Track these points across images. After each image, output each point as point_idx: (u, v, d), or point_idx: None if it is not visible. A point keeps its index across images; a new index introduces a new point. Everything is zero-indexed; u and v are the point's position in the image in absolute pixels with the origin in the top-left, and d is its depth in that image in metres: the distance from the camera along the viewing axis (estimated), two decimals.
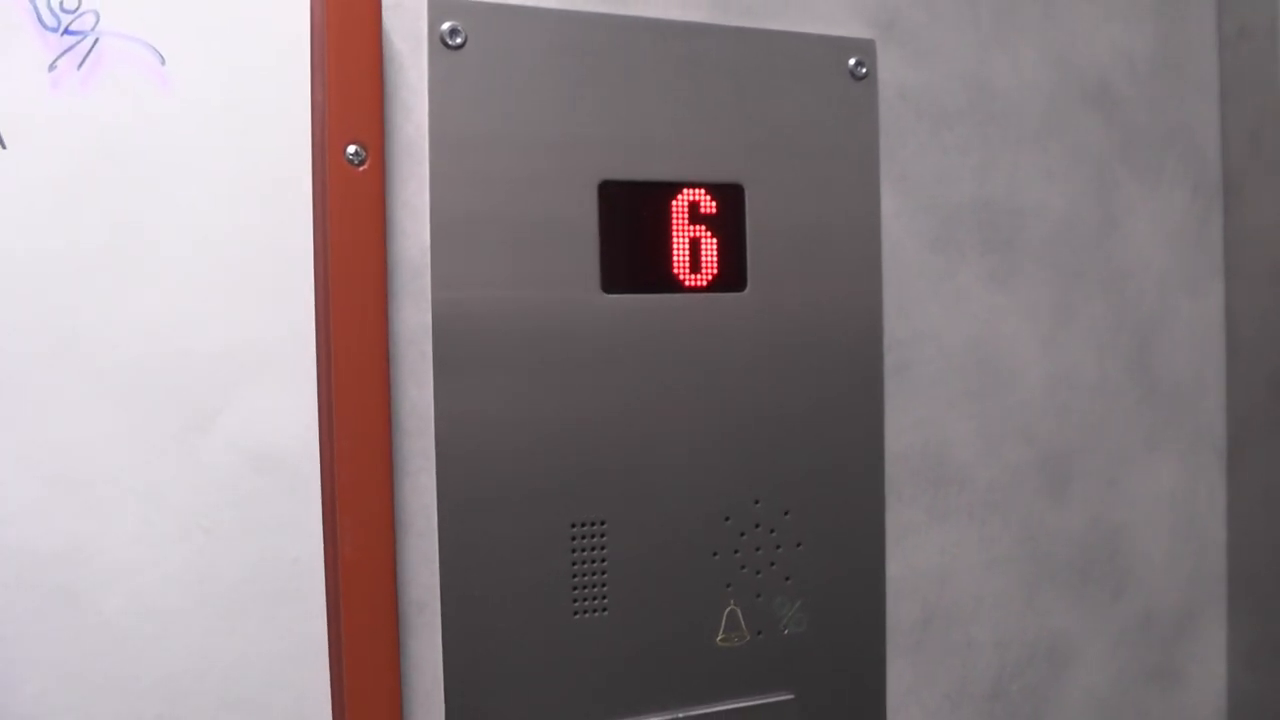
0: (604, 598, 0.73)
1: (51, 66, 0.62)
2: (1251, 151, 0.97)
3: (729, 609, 0.76)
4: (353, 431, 0.67)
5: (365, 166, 0.67)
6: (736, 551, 0.77)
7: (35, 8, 0.61)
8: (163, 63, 0.64)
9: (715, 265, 0.76)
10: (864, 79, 0.81)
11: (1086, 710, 0.94)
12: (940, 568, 0.87)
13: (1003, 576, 0.90)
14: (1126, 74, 0.94)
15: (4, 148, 0.61)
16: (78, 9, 0.62)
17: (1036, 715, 0.92)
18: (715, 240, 0.76)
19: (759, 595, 0.77)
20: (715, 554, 0.76)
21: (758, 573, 0.77)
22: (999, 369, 0.89)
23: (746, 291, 0.77)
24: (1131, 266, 0.95)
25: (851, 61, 0.80)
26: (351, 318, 0.67)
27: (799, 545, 0.78)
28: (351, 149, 0.67)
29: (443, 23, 0.70)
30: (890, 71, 0.84)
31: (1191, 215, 0.98)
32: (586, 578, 0.73)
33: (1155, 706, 0.97)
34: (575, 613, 0.72)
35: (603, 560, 0.73)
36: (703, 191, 0.75)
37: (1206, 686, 0.99)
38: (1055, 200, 0.91)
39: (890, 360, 0.84)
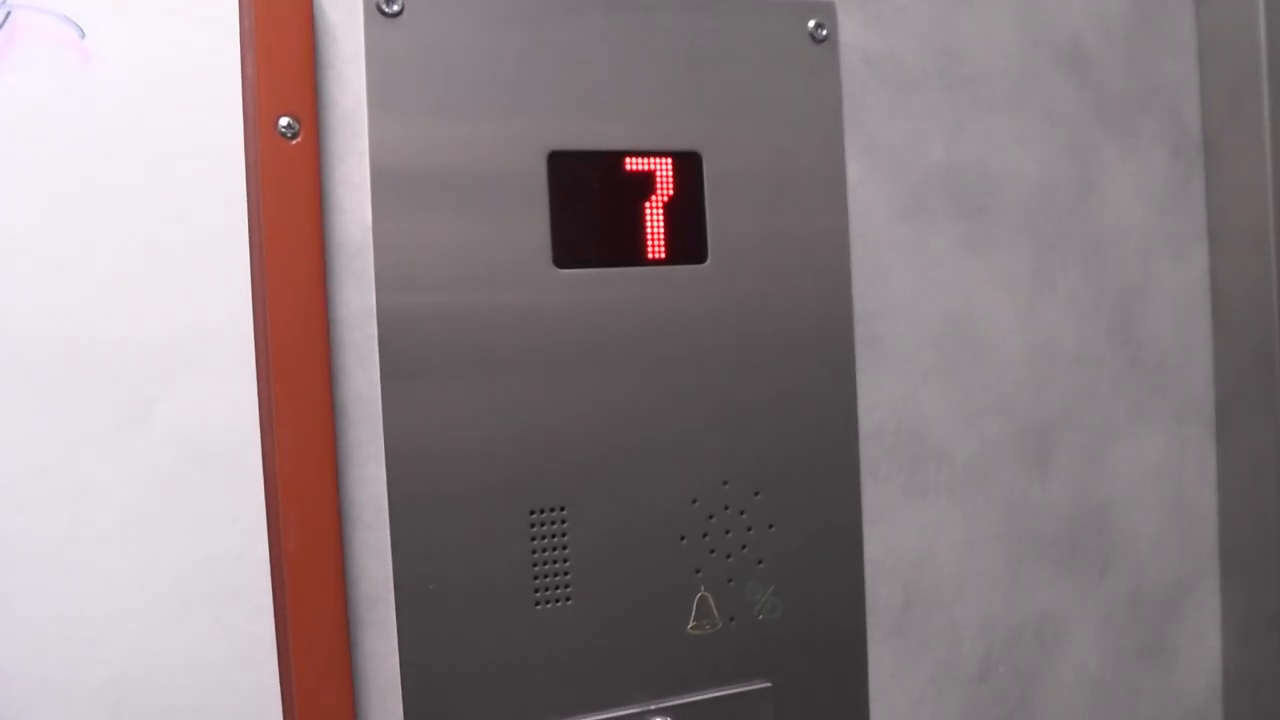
0: (566, 586, 0.70)
1: None
2: (1231, 112, 0.94)
3: (700, 595, 0.73)
4: (294, 421, 0.65)
5: (299, 140, 0.64)
6: (705, 535, 0.74)
7: None
8: (82, 36, 0.61)
9: (673, 237, 0.73)
10: (824, 41, 0.77)
11: (1078, 690, 0.91)
12: (920, 548, 0.84)
13: (986, 555, 0.87)
14: (1101, 34, 0.91)
15: None
16: None
17: (1026, 697, 0.89)
18: (672, 211, 0.72)
19: (731, 580, 0.74)
20: (683, 538, 0.73)
21: (728, 557, 0.74)
22: (975, 340, 0.86)
23: (707, 264, 0.73)
24: (1110, 232, 0.92)
25: (811, 24, 0.77)
26: (289, 300, 0.64)
27: (771, 527, 0.75)
28: (284, 121, 0.64)
29: None
30: (852, 35, 0.81)
31: (1171, 178, 0.95)
32: (548, 566, 0.70)
33: (1147, 684, 0.94)
34: (537, 603, 0.69)
35: (564, 548, 0.70)
36: (658, 160, 0.72)
37: (1199, 662, 0.96)
38: (1029, 165, 0.88)
39: (860, 333, 0.81)
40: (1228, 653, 0.97)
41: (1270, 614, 0.93)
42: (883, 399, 0.82)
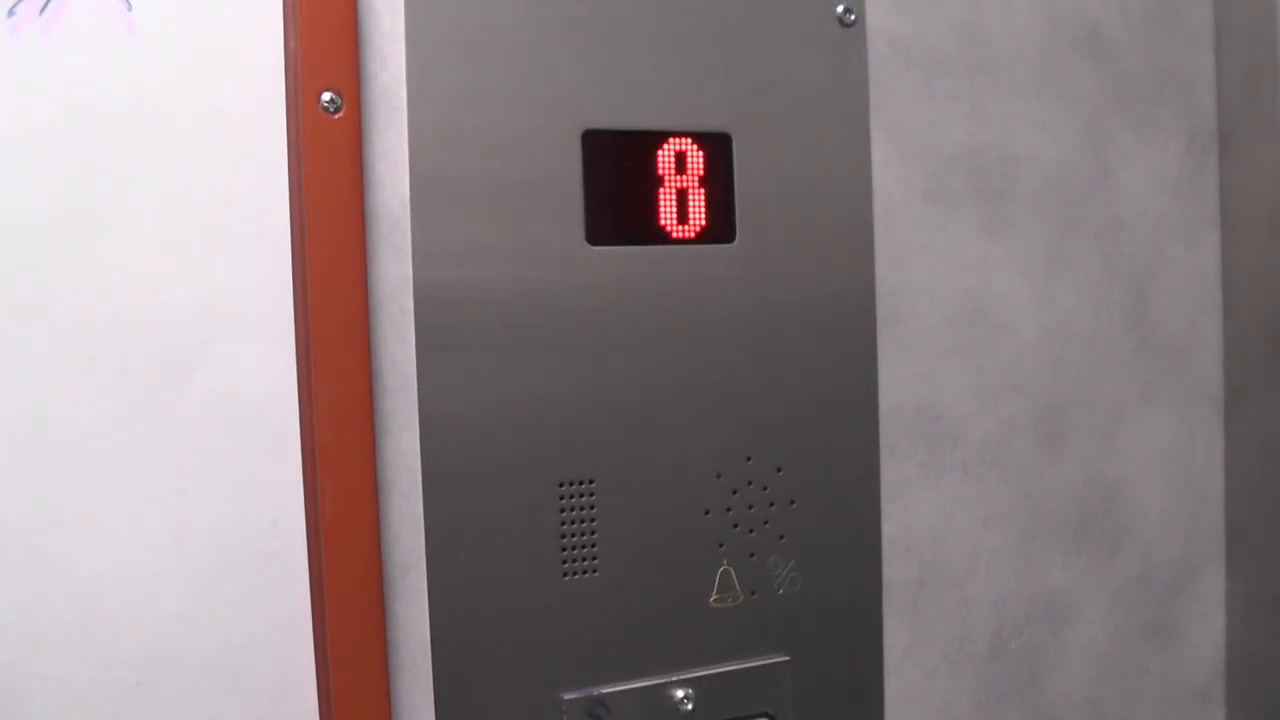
0: (594, 558, 0.71)
1: (11, 13, 0.60)
2: (1247, 100, 0.95)
3: (722, 569, 0.75)
4: (332, 389, 0.66)
5: (340, 115, 0.65)
6: (729, 510, 0.75)
7: None
8: (129, 8, 0.62)
9: (703, 216, 0.74)
10: (852, 26, 0.78)
11: (1085, 667, 0.93)
12: (936, 525, 0.86)
13: (999, 533, 0.88)
14: (1119, 21, 0.92)
15: None
16: None
17: (1035, 673, 0.91)
18: (703, 191, 0.74)
19: (753, 554, 0.76)
20: (707, 512, 0.75)
21: (751, 531, 0.76)
22: (992, 321, 0.87)
23: (735, 243, 0.75)
24: (1126, 216, 0.93)
25: (840, 8, 0.78)
26: (329, 271, 0.65)
27: (792, 503, 0.77)
28: (326, 96, 0.65)
29: None
30: (879, 19, 0.82)
31: (1186, 165, 0.96)
32: (576, 538, 0.71)
33: (1153, 663, 0.96)
34: (565, 574, 0.71)
35: (592, 520, 0.71)
36: (689, 141, 0.73)
37: (1204, 642, 0.98)
38: (1048, 149, 0.89)
39: (882, 312, 0.82)
40: (1231, 633, 0.99)
41: (1274, 595, 0.94)
42: (902, 378, 0.84)
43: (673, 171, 0.73)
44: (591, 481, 0.71)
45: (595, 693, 0.71)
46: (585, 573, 0.71)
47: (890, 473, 0.83)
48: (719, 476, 0.75)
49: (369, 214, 0.68)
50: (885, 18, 0.82)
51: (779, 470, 0.76)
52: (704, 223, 0.74)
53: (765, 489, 0.76)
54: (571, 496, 0.71)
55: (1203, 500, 0.97)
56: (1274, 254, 0.94)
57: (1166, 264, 0.95)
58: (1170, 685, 0.97)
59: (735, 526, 0.75)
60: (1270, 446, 0.94)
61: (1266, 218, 0.94)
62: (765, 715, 0.75)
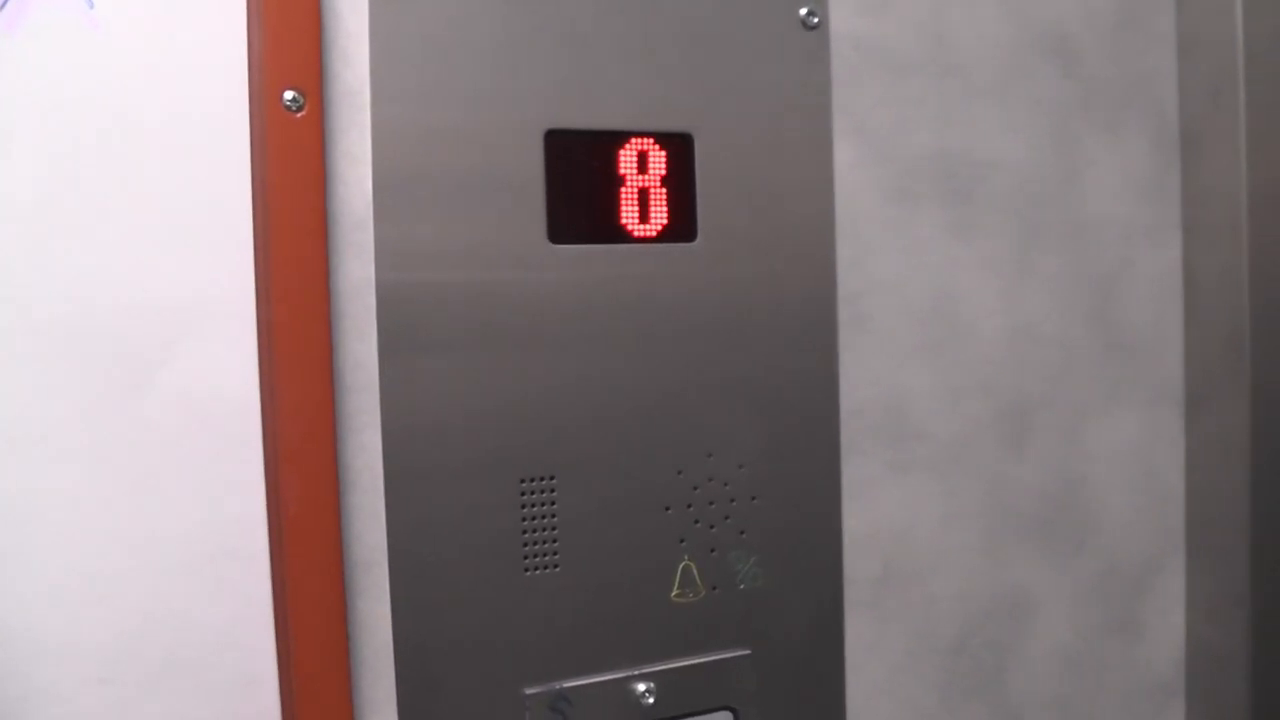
0: (555, 554, 0.72)
1: None
2: (1210, 107, 0.96)
3: (683, 564, 0.76)
4: (294, 387, 0.66)
5: (303, 113, 0.66)
6: (690, 506, 0.76)
7: None
8: (90, 6, 0.62)
9: (665, 216, 0.74)
10: (815, 29, 0.79)
11: (1049, 663, 0.94)
12: (900, 522, 0.87)
13: (964, 530, 0.89)
14: (1086, 27, 0.93)
15: None
16: None
17: (999, 669, 0.92)
18: (664, 190, 0.74)
19: (714, 550, 0.77)
20: (668, 508, 0.75)
21: (712, 527, 0.77)
22: (958, 321, 0.88)
23: (697, 242, 0.75)
24: (1092, 219, 0.94)
25: (803, 11, 0.79)
26: (291, 269, 0.66)
27: (754, 499, 0.78)
28: (289, 95, 0.65)
29: None
30: (845, 22, 0.83)
31: (1151, 169, 0.97)
32: (537, 534, 0.72)
33: (1116, 658, 0.97)
34: (526, 569, 0.72)
35: (553, 516, 0.72)
36: (651, 141, 0.74)
37: (1166, 638, 0.99)
38: (1014, 152, 0.90)
39: (847, 312, 0.83)
40: (1192, 628, 1.00)
41: (1234, 593, 0.96)
42: (868, 377, 0.84)
43: (635, 171, 0.74)
44: (552, 478, 0.72)
45: (557, 687, 0.72)
46: (547, 568, 0.72)
47: (854, 470, 0.84)
48: (680, 473, 0.76)
49: (332, 213, 0.68)
50: (851, 21, 0.83)
51: (740, 467, 0.77)
52: (666, 222, 0.75)
53: (726, 485, 0.77)
54: (533, 493, 0.72)
55: (1165, 498, 0.99)
56: (1235, 258, 0.95)
57: (1131, 266, 0.96)
58: (1132, 680, 0.98)
59: (696, 522, 0.76)
60: (1229, 446, 0.95)
61: (1228, 222, 0.95)
62: (726, 709, 0.76)
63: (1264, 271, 0.95)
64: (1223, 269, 0.96)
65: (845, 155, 0.83)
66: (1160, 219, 0.97)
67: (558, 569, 0.72)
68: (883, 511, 0.86)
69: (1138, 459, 0.97)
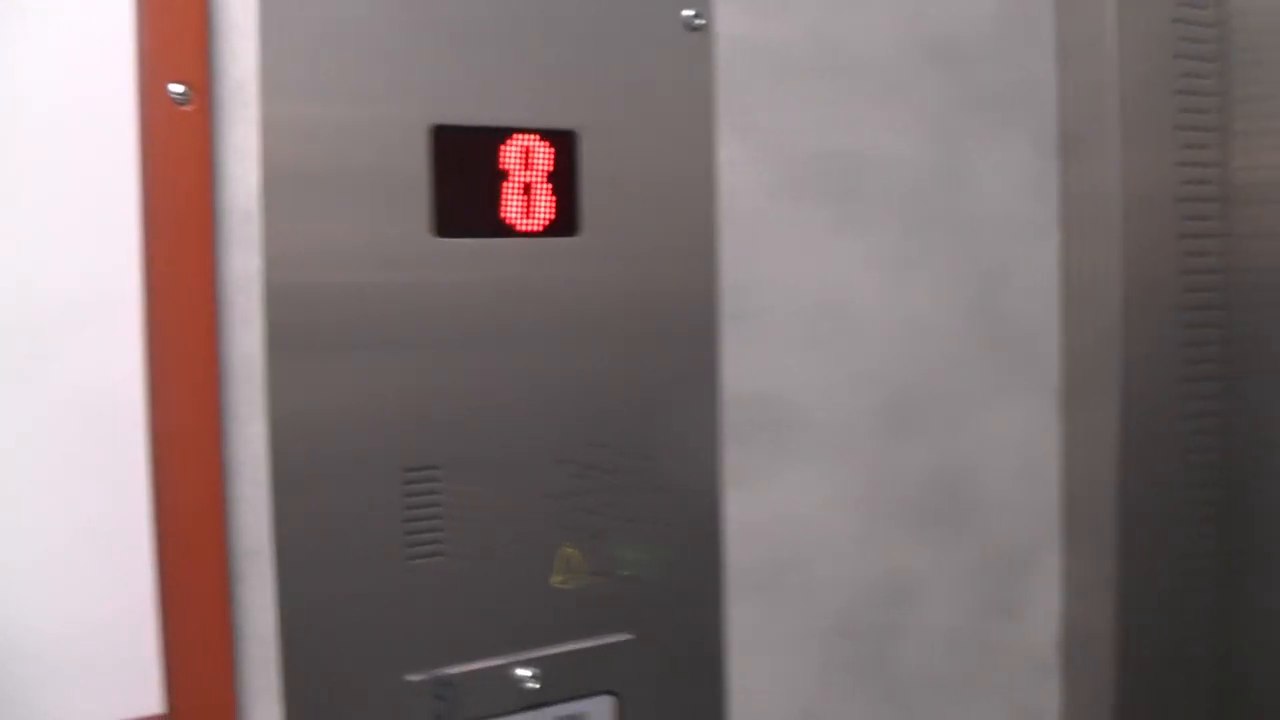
0: (439, 542, 0.74)
1: None
2: (1088, 109, 1.00)
3: (566, 551, 0.78)
4: (179, 379, 0.67)
5: (190, 107, 0.66)
6: (573, 494, 0.78)
7: None
8: None
9: (549, 211, 0.76)
10: (699, 30, 0.81)
11: (931, 644, 0.97)
12: (783, 510, 0.89)
13: (846, 517, 0.92)
14: (971, 32, 0.97)
15: None
16: None
17: (881, 652, 0.95)
18: (549, 186, 0.76)
19: (596, 537, 0.79)
20: (552, 497, 0.77)
21: (595, 515, 0.79)
22: (843, 315, 0.91)
23: (581, 237, 0.77)
24: (974, 217, 0.97)
25: (687, 13, 0.81)
26: (177, 262, 0.67)
27: (637, 488, 0.80)
28: (177, 89, 0.66)
29: None
30: (732, 23, 0.85)
31: (1032, 169, 1.01)
32: (421, 523, 0.73)
33: (995, 639, 1.01)
34: (410, 558, 0.73)
35: (436, 506, 0.73)
36: (536, 137, 0.76)
37: (1042, 619, 1.03)
38: (900, 152, 0.93)
39: (731, 306, 0.85)
40: (1068, 609, 1.05)
41: (1106, 575, 1.00)
42: (752, 368, 0.87)
43: (520, 167, 0.75)
44: (436, 468, 0.73)
45: (440, 674, 0.73)
46: (430, 556, 0.73)
47: (737, 459, 0.86)
48: (563, 462, 0.77)
49: (220, 207, 0.69)
50: (738, 21, 0.85)
51: (623, 456, 0.79)
52: (550, 217, 0.76)
53: (609, 474, 0.79)
54: (417, 483, 0.73)
55: (1043, 485, 1.03)
56: (1110, 255, 0.99)
57: (1012, 262, 1.00)
58: (1012, 659, 1.02)
59: (579, 510, 0.78)
60: (1103, 435, 1.00)
61: (1104, 220, 0.99)
62: (608, 693, 0.79)
63: (1137, 269, 0.99)
64: (1098, 266, 1.00)
65: (732, 153, 0.85)
66: (1040, 217, 1.01)
67: (441, 556, 0.74)
68: (766, 499, 0.88)
69: (1016, 448, 1.01)
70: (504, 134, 0.75)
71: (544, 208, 0.76)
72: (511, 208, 0.75)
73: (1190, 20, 1.00)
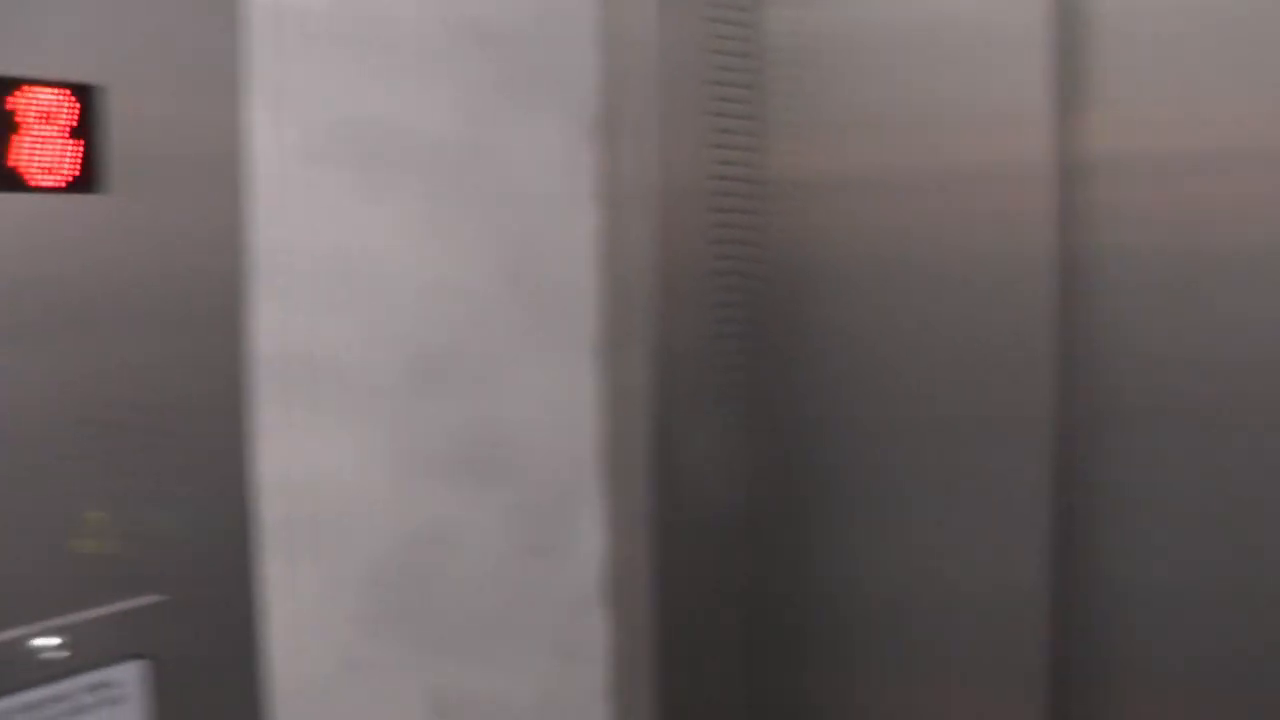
0: None
1: None
2: (626, 94, 1.10)
3: (89, 513, 0.75)
4: None
5: None
6: (94, 454, 0.76)
7: None
8: None
9: (70, 166, 0.73)
10: None
11: (473, 588, 1.04)
12: (316, 466, 0.92)
13: (379, 470, 0.96)
14: (512, 14, 1.03)
15: None
16: None
17: (420, 598, 1.00)
18: (69, 141, 0.73)
19: (121, 500, 0.77)
20: (71, 457, 0.75)
21: (121, 477, 0.77)
22: (375, 276, 0.95)
23: (103, 194, 0.75)
24: (506, 190, 1.04)
25: None
26: None
27: (165, 449, 0.79)
28: None
29: None
30: None
31: (566, 148, 1.09)
32: None
33: (537, 580, 1.09)
34: None
35: None
36: (55, 90, 0.72)
37: (584, 559, 1.13)
38: (433, 124, 0.98)
39: (262, 265, 0.86)
40: (610, 546, 1.15)
41: (642, 514, 1.12)
42: (281, 327, 0.88)
43: (35, 120, 0.71)
44: None
45: None
46: None
47: (268, 418, 0.87)
48: (84, 421, 0.75)
49: None
50: None
51: (148, 415, 0.78)
52: (74, 173, 0.73)
53: (133, 432, 0.77)
54: None
55: (581, 434, 1.12)
56: (647, 226, 1.10)
57: (549, 231, 1.08)
58: (555, 598, 1.11)
59: (103, 470, 0.76)
60: (633, 390, 1.11)
61: (640, 196, 1.10)
62: (138, 656, 0.77)
63: (670, 239, 1.11)
64: (635, 236, 1.11)
65: (264, 116, 0.85)
66: (578, 190, 1.10)
67: None
68: (299, 456, 0.90)
69: (553, 400, 1.10)
70: (15, 83, 0.70)
71: (65, 163, 0.73)
72: (27, 161, 0.71)
73: (726, 20, 1.12)
